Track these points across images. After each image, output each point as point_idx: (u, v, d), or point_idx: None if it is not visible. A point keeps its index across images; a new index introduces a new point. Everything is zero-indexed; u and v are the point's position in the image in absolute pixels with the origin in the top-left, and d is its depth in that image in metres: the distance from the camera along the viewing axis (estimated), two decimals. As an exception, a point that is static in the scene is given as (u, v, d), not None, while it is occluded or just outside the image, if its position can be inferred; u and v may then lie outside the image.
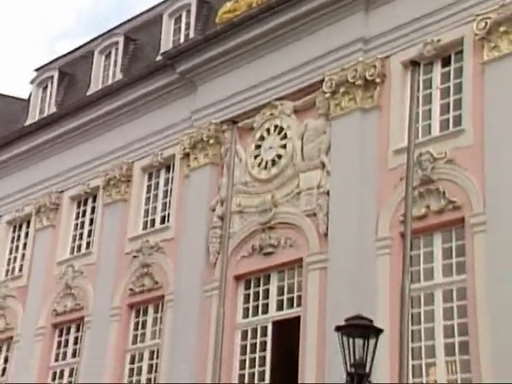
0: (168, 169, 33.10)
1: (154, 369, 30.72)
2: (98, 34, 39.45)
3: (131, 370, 31.81)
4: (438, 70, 25.69)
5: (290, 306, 27.28)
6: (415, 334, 22.15)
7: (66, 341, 33.89)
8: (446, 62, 25.58)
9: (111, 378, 31.16)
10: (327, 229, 26.38)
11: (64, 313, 32.63)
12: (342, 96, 27.19)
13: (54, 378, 34.13)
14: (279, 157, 28.66)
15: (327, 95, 27.55)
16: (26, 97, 42.77)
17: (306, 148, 27.98)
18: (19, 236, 36.99)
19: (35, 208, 35.72)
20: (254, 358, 27.60)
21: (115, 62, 37.49)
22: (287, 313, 27.31)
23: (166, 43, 34.72)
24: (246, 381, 27.38)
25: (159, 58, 34.22)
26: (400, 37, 26.37)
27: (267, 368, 27.08)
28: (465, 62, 24.91)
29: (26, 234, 36.55)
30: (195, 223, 30.42)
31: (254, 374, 27.33)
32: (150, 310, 31.93)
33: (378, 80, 26.53)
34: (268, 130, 29.34)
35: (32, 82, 41.92)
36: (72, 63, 40.17)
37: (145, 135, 33.81)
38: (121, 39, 37.60)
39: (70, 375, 33.56)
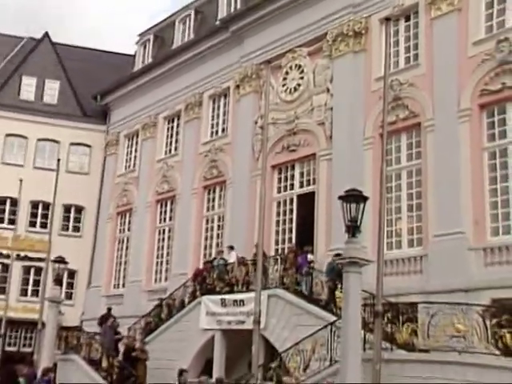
0: (225, 96, 33.46)
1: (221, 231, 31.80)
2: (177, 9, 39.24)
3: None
4: (402, 24, 25.71)
5: (308, 184, 28.01)
6: (389, 199, 22.61)
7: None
8: (408, 19, 25.61)
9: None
10: (331, 133, 27.00)
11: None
12: (339, 43, 27.46)
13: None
14: (299, 85, 29.04)
15: (330, 42, 27.82)
16: (131, 53, 42.78)
17: (316, 78, 28.35)
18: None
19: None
20: (285, 220, 28.46)
21: (189, 27, 37.40)
22: (306, 189, 28.01)
23: (222, 12, 34.75)
24: (280, 235, 28.41)
25: (217, 22, 34.40)
26: (377, 2, 26.45)
27: (293, 225, 28.07)
28: (420, 18, 25.02)
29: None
30: (244, 132, 31.02)
31: (284, 229, 28.26)
32: (217, 189, 32.83)
33: (363, 32, 26.84)
34: (291, 67, 29.57)
35: (136, 42, 41.88)
36: (161, 29, 40.14)
37: (209, 74, 34.06)
38: (192, 12, 37.59)
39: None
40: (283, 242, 27.67)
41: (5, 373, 21.69)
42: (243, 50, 32.22)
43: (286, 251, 25.69)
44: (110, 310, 30.35)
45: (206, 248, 32.31)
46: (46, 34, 45.06)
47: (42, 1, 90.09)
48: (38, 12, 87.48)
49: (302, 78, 29.06)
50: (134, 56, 41.74)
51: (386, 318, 17.84)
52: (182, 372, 14.94)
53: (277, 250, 27.24)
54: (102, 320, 29.24)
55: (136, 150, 39.18)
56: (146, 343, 25.85)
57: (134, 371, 24.80)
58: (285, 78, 29.79)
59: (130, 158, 39.56)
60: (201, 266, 30.08)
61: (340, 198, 17.52)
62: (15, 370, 21.59)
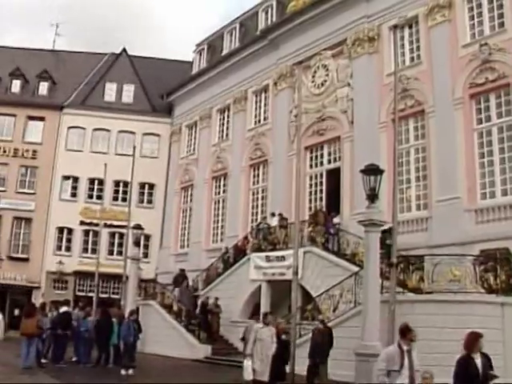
0: (265, 91, 33.10)
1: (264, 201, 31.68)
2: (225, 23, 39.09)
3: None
4: (407, 31, 25.34)
5: (334, 161, 27.78)
6: (400, 172, 22.08)
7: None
8: (411, 26, 25.28)
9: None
10: (352, 118, 26.74)
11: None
12: (357, 46, 27.14)
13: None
14: (325, 81, 28.68)
15: (349, 46, 27.52)
16: (189, 60, 42.72)
17: (339, 75, 27.99)
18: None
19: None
20: (316, 191, 28.31)
21: (235, 37, 37.10)
22: (333, 165, 27.80)
23: (261, 24, 34.50)
24: (312, 203, 28.15)
25: (258, 33, 34.21)
26: (387, 13, 26.15)
27: (323, 195, 27.85)
28: (420, 26, 24.88)
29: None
30: (281, 120, 30.74)
31: (316, 198, 28.04)
32: (261, 167, 32.58)
33: (375, 37, 26.53)
34: (318, 67, 29.16)
35: (194, 51, 41.75)
36: (213, 40, 39.93)
37: (252, 74, 33.80)
38: (237, 25, 37.23)
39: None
40: (315, 208, 27.34)
41: (101, 314, 21.98)
42: (279, 54, 31.86)
43: (316, 214, 25.55)
44: (183, 270, 30.27)
45: (252, 214, 32.24)
46: (124, 49, 45.33)
47: (121, 23, 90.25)
48: (118, 31, 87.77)
49: (327, 75, 28.69)
50: (192, 62, 41.56)
51: (399, 268, 17.88)
52: (266, 314, 14.87)
53: (309, 215, 26.99)
54: (177, 280, 29.34)
55: (195, 137, 39.07)
56: (218, 299, 25.99)
57: (210, 322, 25.77)
58: (313, 76, 29.40)
59: (190, 144, 39.45)
60: (249, 229, 30.24)
61: (361, 171, 17.49)
62: (109, 311, 21.81)
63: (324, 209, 26.25)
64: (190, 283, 29.85)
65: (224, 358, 23.27)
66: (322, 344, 16.74)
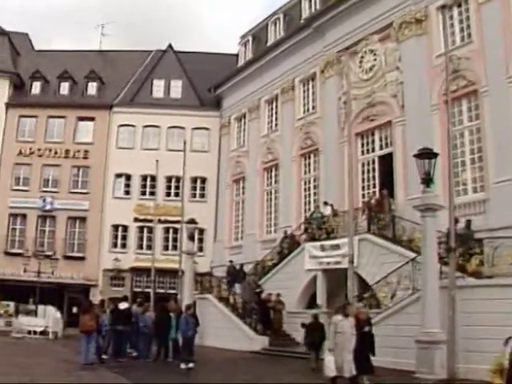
0: (313, 79, 32.78)
1: (316, 190, 31.56)
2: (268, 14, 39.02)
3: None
4: (455, 10, 24.69)
5: (386, 146, 27.43)
6: (455, 154, 21.61)
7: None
8: (459, 5, 24.64)
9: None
10: (403, 102, 26.32)
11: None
12: (404, 29, 26.70)
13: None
14: (373, 66, 28.29)
15: (396, 29, 27.06)
16: (234, 52, 42.80)
17: (387, 59, 27.57)
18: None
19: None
20: (368, 177, 27.99)
21: (279, 27, 36.95)
22: (385, 151, 27.44)
23: (305, 13, 34.26)
24: (365, 190, 27.83)
25: (302, 21, 34.03)
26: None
27: (376, 182, 27.52)
28: (469, 4, 24.18)
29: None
30: (330, 107, 30.44)
31: (369, 185, 27.76)
32: (312, 156, 32.34)
33: (423, 18, 25.91)
34: (365, 52, 28.77)
35: (239, 43, 41.85)
36: (257, 31, 39.85)
37: (298, 63, 33.59)
38: (281, 15, 37.09)
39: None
40: (368, 195, 27.08)
41: (159, 309, 22.32)
42: (325, 41, 31.55)
43: (371, 201, 25.32)
44: (242, 265, 30.30)
45: (305, 204, 32.11)
46: (170, 45, 45.61)
47: (165, 20, 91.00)
48: (162, 28, 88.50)
49: (375, 59, 28.30)
50: (237, 54, 41.65)
51: (457, 253, 17.50)
52: (346, 305, 14.72)
53: (363, 202, 26.74)
54: (234, 275, 29.46)
55: (244, 130, 39.15)
56: (280, 295, 25.73)
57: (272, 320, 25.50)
58: (361, 61, 29.02)
59: (240, 136, 39.50)
60: (302, 220, 30.18)
61: (415, 155, 17.31)
62: (167, 306, 22.08)
63: (377, 194, 25.98)
64: (250, 279, 29.69)
65: (282, 349, 23.28)
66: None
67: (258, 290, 27.35)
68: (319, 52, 32.02)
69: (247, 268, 30.78)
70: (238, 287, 28.72)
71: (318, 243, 25.88)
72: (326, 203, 27.60)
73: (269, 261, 29.90)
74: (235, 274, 29.48)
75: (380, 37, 28.11)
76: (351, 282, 18.71)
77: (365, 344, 14.03)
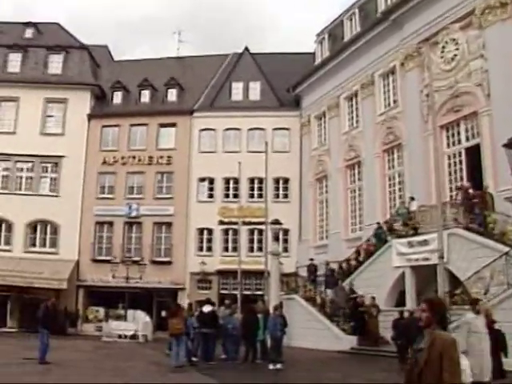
0: (393, 73, 32.36)
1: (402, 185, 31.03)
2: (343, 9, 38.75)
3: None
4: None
5: (472, 138, 26.65)
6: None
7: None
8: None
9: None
10: (489, 91, 25.46)
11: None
12: (487, 14, 25.87)
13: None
14: (455, 55, 27.53)
15: (478, 16, 26.25)
16: (310, 51, 42.64)
17: (470, 47, 26.79)
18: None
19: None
20: (455, 170, 27.24)
21: (355, 22, 36.61)
22: (471, 142, 26.63)
23: (380, 6, 33.63)
24: (453, 183, 27.08)
25: (378, 15, 33.49)
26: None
27: (463, 174, 26.76)
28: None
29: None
30: (412, 101, 29.85)
31: (456, 178, 26.99)
32: (395, 151, 31.89)
33: (509, 1, 24.99)
34: (446, 42, 28.04)
35: (315, 41, 41.62)
36: (333, 28, 39.58)
37: (376, 57, 33.22)
38: (356, 10, 36.74)
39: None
40: (456, 189, 26.40)
41: (247, 310, 22.48)
42: (403, 34, 31.03)
43: (459, 196, 24.65)
44: (333, 270, 30.08)
45: (390, 200, 31.65)
46: (246, 48, 46.04)
47: (239, 23, 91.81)
48: (237, 31, 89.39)
49: (457, 49, 27.52)
50: (314, 53, 41.51)
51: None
52: (476, 300, 14.20)
53: (451, 196, 26.10)
54: (310, 270, 29.36)
55: (325, 128, 38.98)
56: (375, 298, 24.94)
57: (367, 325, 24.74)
58: (442, 51, 28.26)
59: (321, 135, 39.36)
60: (387, 216, 29.78)
61: (504, 145, 16.44)
62: (254, 308, 22.23)
63: (466, 186, 25.22)
64: (346, 285, 28.86)
65: (371, 348, 23.01)
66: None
67: (353, 296, 26.57)
68: (398, 45, 31.57)
69: (334, 266, 30.61)
70: (330, 292, 28.46)
71: (405, 240, 25.43)
72: (412, 198, 27.11)
73: (354, 260, 29.62)
74: (316, 273, 29.36)
75: (461, 25, 27.32)
76: (441, 278, 18.25)
77: (497, 344, 13.29)
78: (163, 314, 34.48)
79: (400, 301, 25.12)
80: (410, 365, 5.12)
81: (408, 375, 5.08)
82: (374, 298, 24.96)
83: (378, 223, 29.35)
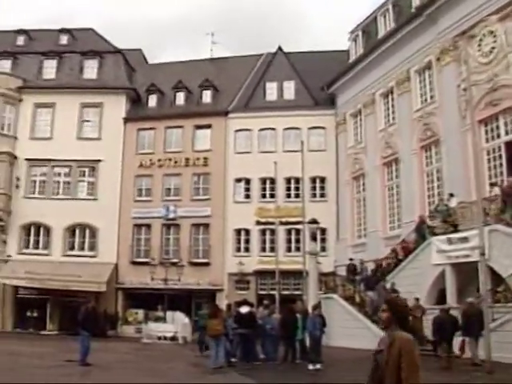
0: (429, 68, 31.93)
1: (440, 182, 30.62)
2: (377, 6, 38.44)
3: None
4: None
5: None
6: None
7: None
8: None
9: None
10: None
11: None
12: (526, 4, 25.47)
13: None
14: (493, 48, 27.08)
15: (517, 5, 25.84)
16: (343, 48, 42.52)
17: (508, 39, 26.32)
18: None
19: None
20: (495, 165, 26.77)
21: (388, 19, 36.29)
22: (510, 136, 26.15)
23: (415, 1, 33.42)
24: (492, 179, 26.59)
25: (413, 10, 33.20)
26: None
27: (503, 169, 26.32)
28: None
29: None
30: (449, 96, 29.42)
31: (496, 173, 26.57)
32: (432, 147, 31.46)
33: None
34: (484, 34, 27.61)
35: (348, 39, 41.47)
36: (366, 25, 39.33)
37: (412, 53, 32.90)
38: (390, 6, 36.39)
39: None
40: (490, 185, 25.99)
41: (285, 310, 22.45)
42: (438, 28, 30.63)
43: (494, 192, 24.25)
44: (375, 271, 29.75)
45: (428, 197, 31.24)
46: (279, 48, 45.97)
47: (271, 22, 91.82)
48: (269, 31, 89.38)
49: (495, 41, 27.06)
50: (348, 50, 41.35)
51: None
52: None
53: (490, 191, 25.66)
54: (349, 269, 29.09)
55: (360, 125, 38.75)
56: (418, 299, 24.05)
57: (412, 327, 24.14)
58: (479, 44, 27.82)
59: (357, 133, 39.12)
60: (426, 213, 29.40)
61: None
62: (293, 308, 22.16)
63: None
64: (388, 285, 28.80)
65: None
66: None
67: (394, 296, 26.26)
68: (433, 39, 31.15)
69: (371, 265, 30.36)
70: (372, 293, 28.13)
71: (444, 237, 25.06)
72: (451, 195, 26.72)
73: (391, 258, 29.31)
74: (356, 273, 29.09)
75: (499, 16, 26.78)
76: (483, 275, 17.94)
77: None
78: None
79: (440, 299, 24.77)
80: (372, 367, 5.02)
81: (370, 378, 4.99)
82: (417, 299, 24.16)
83: (421, 216, 28.83)
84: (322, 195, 40.49)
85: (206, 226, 41.44)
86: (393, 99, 35.27)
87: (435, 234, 25.96)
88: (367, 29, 39.26)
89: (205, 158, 42.14)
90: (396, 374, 4.64)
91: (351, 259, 31.80)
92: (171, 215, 41.45)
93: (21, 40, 48.12)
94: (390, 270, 28.36)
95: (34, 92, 43.71)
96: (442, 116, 30.32)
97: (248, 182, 41.55)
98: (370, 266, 30.83)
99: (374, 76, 36.70)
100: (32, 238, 42.43)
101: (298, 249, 37.38)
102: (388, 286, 26.57)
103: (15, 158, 42.53)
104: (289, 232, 39.60)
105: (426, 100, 32.21)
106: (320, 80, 41.41)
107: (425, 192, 31.52)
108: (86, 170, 43.09)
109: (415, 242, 27.93)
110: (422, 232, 27.56)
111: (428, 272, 25.65)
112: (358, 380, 16.20)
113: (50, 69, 45.36)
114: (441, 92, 30.66)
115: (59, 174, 43.16)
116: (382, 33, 36.88)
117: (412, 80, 33.15)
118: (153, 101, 45.38)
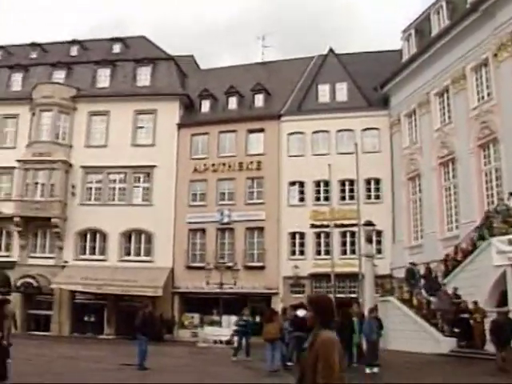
0: (485, 65, 31.18)
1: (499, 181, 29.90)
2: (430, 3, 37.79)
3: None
4: None
5: None
6: None
7: None
8: None
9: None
10: None
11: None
12: None
13: None
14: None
15: None
16: (395, 48, 42.12)
17: None
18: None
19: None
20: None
21: (442, 16, 35.61)
22: None
23: (470, -3, 32.90)
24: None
25: (467, 6, 32.47)
26: None
27: None
28: None
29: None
30: (509, 92, 28.62)
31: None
32: (491, 145, 30.64)
33: None
34: (543, 28, 27.09)
35: (401, 38, 40.98)
36: (419, 23, 38.78)
37: (467, 50, 32.21)
38: (443, 2, 35.70)
39: None
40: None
41: (342, 313, 22.16)
42: (495, 23, 29.87)
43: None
44: (437, 276, 28.97)
45: (487, 197, 30.49)
46: (331, 49, 45.77)
47: (321, 24, 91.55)
48: (322, 31, 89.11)
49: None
50: (401, 50, 40.86)
51: None
52: None
53: None
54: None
55: (415, 126, 38.13)
56: (477, 303, 23.58)
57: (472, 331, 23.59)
58: (537, 35, 27.17)
59: (412, 133, 38.53)
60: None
61: None
62: (349, 311, 21.89)
63: None
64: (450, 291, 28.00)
65: (472, 350, 22.22)
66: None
67: (457, 301, 25.33)
68: (490, 35, 30.40)
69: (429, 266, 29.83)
70: (434, 299, 27.53)
71: (505, 237, 24.40)
72: (511, 194, 26.03)
73: (452, 260, 28.73)
74: (416, 276, 28.57)
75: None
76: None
77: None
78: (257, 319, 34.77)
79: (502, 301, 24.13)
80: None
81: (297, 380, 4.75)
82: (475, 303, 23.67)
83: (488, 211, 28.00)
84: (377, 197, 40.00)
85: (261, 229, 41.48)
86: (448, 98, 34.61)
87: (494, 235, 25.34)
88: (420, 27, 38.71)
89: (258, 162, 42.25)
90: (312, 377, 4.41)
91: (414, 264, 30.76)
92: (226, 219, 41.66)
93: (74, 50, 49.46)
94: (449, 272, 27.81)
95: (88, 101, 44.79)
96: (501, 113, 29.57)
97: (302, 184, 41.39)
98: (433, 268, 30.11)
99: (428, 75, 36.13)
100: (88, 244, 43.40)
101: (353, 251, 37.15)
102: (450, 291, 26.03)
103: (70, 165, 43.64)
104: (344, 234, 39.27)
105: (483, 98, 31.49)
106: (373, 81, 41.06)
107: (483, 192, 30.77)
108: (141, 175, 43.80)
109: (472, 243, 27.28)
110: (481, 232, 26.94)
111: (489, 273, 24.97)
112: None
113: (103, 77, 46.37)
114: (498, 89, 29.91)
115: (114, 181, 44.00)
116: (435, 31, 36.25)
117: (468, 78, 32.46)
118: (206, 106, 45.82)
